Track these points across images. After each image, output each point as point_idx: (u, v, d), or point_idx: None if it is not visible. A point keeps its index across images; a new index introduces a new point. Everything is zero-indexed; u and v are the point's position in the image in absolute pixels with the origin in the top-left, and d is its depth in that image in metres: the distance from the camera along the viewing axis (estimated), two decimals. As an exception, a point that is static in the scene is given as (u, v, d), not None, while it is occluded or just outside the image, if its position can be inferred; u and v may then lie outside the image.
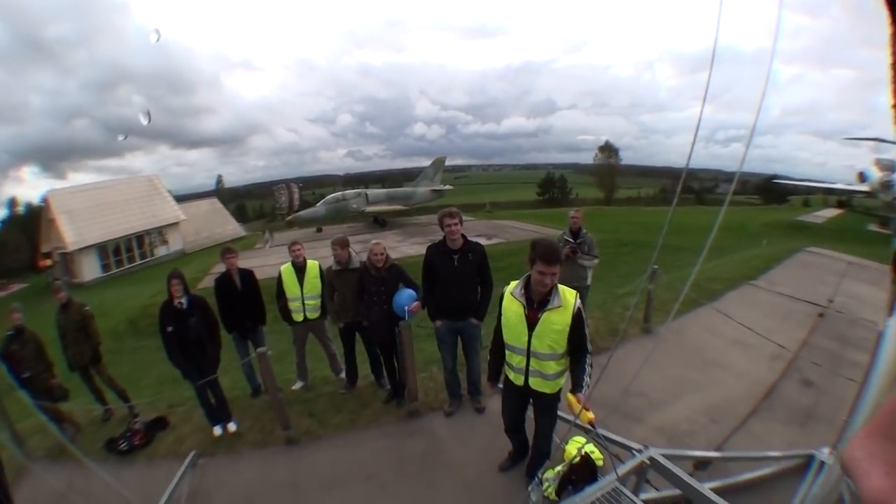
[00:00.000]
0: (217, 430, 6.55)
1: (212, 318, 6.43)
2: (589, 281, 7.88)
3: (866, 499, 0.54)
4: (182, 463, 5.84)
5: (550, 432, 4.33)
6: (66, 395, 7.33)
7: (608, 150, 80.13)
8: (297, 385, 7.40)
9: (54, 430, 7.03)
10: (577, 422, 3.54)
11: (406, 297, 5.82)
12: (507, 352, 4.14)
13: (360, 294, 6.14)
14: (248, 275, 7.07)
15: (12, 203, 71.43)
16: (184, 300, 6.13)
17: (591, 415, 3.51)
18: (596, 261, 8.00)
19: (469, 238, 5.57)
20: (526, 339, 3.87)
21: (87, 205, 37.34)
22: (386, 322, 5.95)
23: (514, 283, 3.99)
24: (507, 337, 4.05)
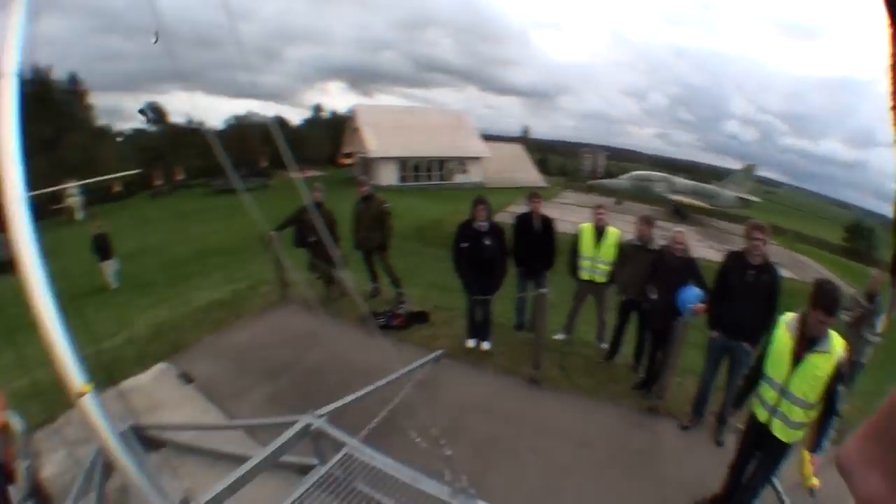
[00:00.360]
0: (470, 343, 7.27)
1: (505, 247, 6.95)
2: (864, 358, 7.02)
3: (862, 502, 0.52)
4: (427, 354, 6.53)
5: (765, 481, 4.17)
6: (344, 265, 8.42)
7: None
8: (560, 336, 7.73)
9: (310, 290, 8.43)
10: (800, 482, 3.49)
11: (693, 295, 5.66)
12: (762, 383, 4.03)
13: (650, 276, 6.15)
14: (548, 220, 7.42)
15: (317, 108, 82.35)
16: (484, 224, 6.68)
17: (816, 482, 3.44)
18: (879, 339, 7.03)
19: (769, 259, 5.25)
20: (785, 374, 3.78)
21: (393, 122, 41.67)
22: (666, 311, 5.86)
23: (791, 315, 3.89)
24: (769, 368, 3.96)
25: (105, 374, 5.35)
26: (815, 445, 3.61)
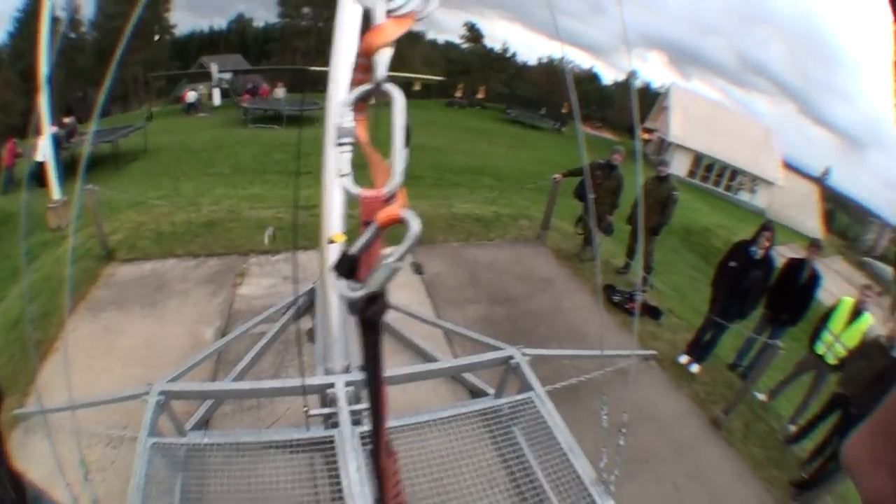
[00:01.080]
0: (682, 359, 7.01)
1: (767, 282, 6.65)
2: None
3: (867, 500, 0.51)
4: (641, 349, 6.49)
5: None
6: (611, 232, 8.29)
7: None
8: (762, 396, 7.17)
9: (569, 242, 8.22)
10: None
11: None
12: None
13: (876, 382, 5.53)
14: (816, 276, 6.96)
15: (632, 74, 79.77)
16: (761, 252, 6.39)
17: None
18: None
19: None
20: None
21: (703, 115, 39.83)
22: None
23: None
24: None
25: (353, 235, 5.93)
26: None
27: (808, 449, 6.36)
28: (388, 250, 0.72)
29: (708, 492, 5.18)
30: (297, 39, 47.48)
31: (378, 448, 1.23)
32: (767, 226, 6.46)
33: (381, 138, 0.79)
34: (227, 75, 38.36)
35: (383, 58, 0.77)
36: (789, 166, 46.15)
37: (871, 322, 6.31)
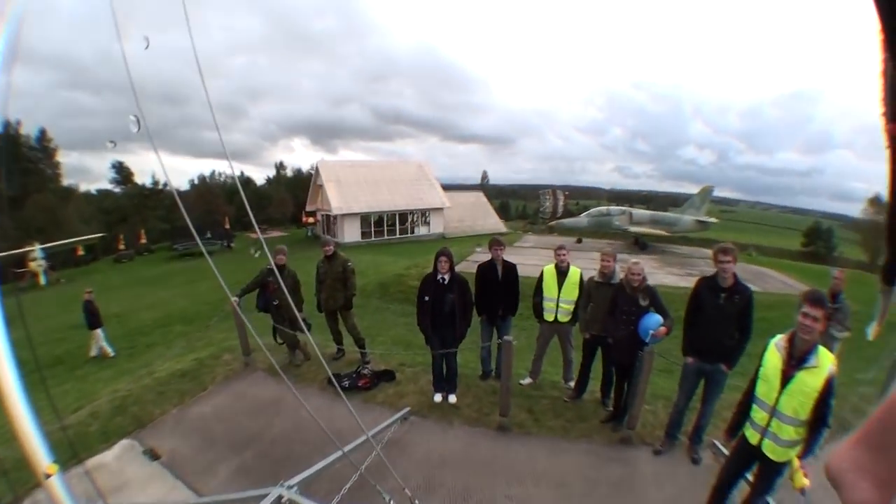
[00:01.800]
0: (437, 398, 7.32)
1: (468, 299, 7.07)
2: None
3: None
4: (395, 413, 6.72)
5: (761, 502, 4.21)
6: (309, 328, 8.51)
7: (877, 204, 58.80)
8: (527, 381, 7.86)
9: (274, 355, 8.44)
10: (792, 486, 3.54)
11: (653, 322, 5.81)
12: (753, 405, 4.10)
13: (611, 310, 6.32)
14: (511, 267, 7.62)
15: (280, 166, 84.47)
16: (447, 276, 6.81)
17: (806, 481, 3.47)
18: (847, 333, 7.50)
19: (739, 280, 5.39)
20: (776, 395, 3.85)
21: (356, 178, 43.14)
22: (629, 343, 6.03)
23: (779, 336, 3.98)
24: (759, 390, 4.03)
25: (70, 451, 5.30)
26: (805, 453, 3.68)
27: (596, 391, 7.14)
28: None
29: (540, 482, 5.44)
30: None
31: None
32: (441, 251, 6.83)
33: None
34: None
35: None
36: (450, 187, 51.51)
37: (580, 272, 7.17)
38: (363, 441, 5.03)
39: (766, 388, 3.91)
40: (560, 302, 7.22)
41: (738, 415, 4.34)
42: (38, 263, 34.21)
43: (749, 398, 4.16)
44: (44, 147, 57.65)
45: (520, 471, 5.68)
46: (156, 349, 13.63)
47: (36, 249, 33.62)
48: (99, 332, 14.10)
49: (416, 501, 3.21)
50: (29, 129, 54.73)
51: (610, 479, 5.51)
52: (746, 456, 4.21)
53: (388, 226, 42.60)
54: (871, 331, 3.64)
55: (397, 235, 42.59)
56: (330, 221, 42.27)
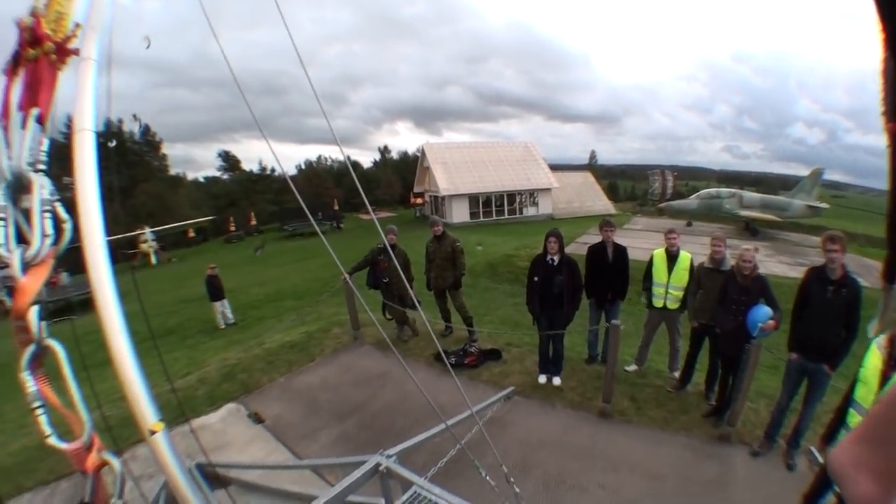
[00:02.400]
0: (542, 379, 7.20)
1: (577, 281, 6.90)
2: None
3: None
4: (499, 392, 6.68)
5: None
6: (418, 305, 8.59)
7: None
8: (632, 367, 7.62)
9: (383, 330, 8.54)
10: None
11: (761, 314, 5.47)
12: (850, 410, 3.69)
13: (720, 299, 6.00)
14: (622, 250, 7.40)
15: (385, 149, 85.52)
16: (556, 257, 6.67)
17: None
18: None
19: (848, 272, 4.99)
20: (872, 399, 3.43)
21: (463, 159, 43.00)
22: (737, 334, 5.71)
23: (882, 335, 3.52)
24: (858, 393, 3.62)
25: (176, 412, 5.53)
26: None
27: (701, 382, 6.79)
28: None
29: (635, 472, 5.30)
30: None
31: None
32: (551, 232, 6.74)
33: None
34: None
35: (34, 316, 0.77)
36: (558, 167, 50.60)
37: (690, 257, 6.87)
38: (466, 416, 4.99)
39: (865, 390, 3.51)
40: (669, 288, 6.96)
41: (836, 420, 3.94)
42: (148, 245, 37.31)
43: (847, 402, 3.75)
44: (148, 141, 61.57)
45: (616, 459, 5.53)
46: (266, 322, 14.17)
47: (146, 232, 36.25)
48: (218, 304, 14.98)
49: (512, 479, 3.05)
50: (132, 126, 58.46)
51: (704, 476, 5.29)
52: None
53: (496, 206, 42.26)
54: (872, 329, 3.22)
55: (506, 216, 42.14)
56: (438, 202, 42.71)
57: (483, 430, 3.41)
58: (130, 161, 54.92)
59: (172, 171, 64.93)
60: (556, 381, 7.12)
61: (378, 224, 3.53)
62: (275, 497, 5.09)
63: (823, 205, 34.15)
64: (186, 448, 4.55)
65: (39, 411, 0.74)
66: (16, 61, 1.41)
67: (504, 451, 5.08)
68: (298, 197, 2.93)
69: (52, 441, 0.74)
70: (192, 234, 49.39)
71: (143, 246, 36.39)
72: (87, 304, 2.50)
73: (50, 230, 0.87)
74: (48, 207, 0.91)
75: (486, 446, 3.29)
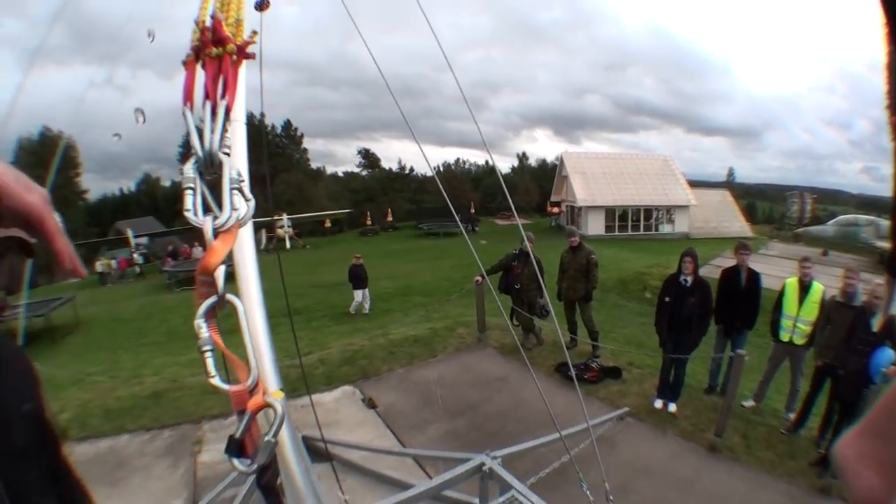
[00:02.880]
0: (657, 403, 7.01)
1: (708, 305, 6.72)
2: None
3: (857, 499, 0.52)
4: (613, 411, 6.65)
5: None
6: (547, 315, 8.47)
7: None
8: (749, 403, 7.26)
9: (509, 336, 8.49)
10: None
11: (885, 358, 5.14)
12: None
13: (847, 336, 5.63)
14: (755, 276, 7.09)
15: (522, 156, 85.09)
16: (690, 278, 6.53)
17: None
18: None
19: None
20: None
21: (601, 170, 42.13)
22: (859, 377, 5.36)
23: None
24: None
25: (293, 386, 5.86)
26: None
27: (815, 427, 6.38)
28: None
29: None
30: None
31: None
32: (687, 252, 6.59)
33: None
34: (144, 240, 39.00)
35: (221, 273, 0.89)
36: (695, 183, 48.43)
37: (822, 290, 6.46)
38: (580, 430, 5.00)
39: None
40: (798, 321, 6.54)
41: None
42: (284, 230, 39.17)
43: None
44: (289, 135, 65.14)
45: (716, 497, 5.34)
46: (393, 315, 14.56)
47: (283, 218, 38.34)
48: (359, 293, 15.43)
49: (611, 498, 2.99)
50: (275, 121, 62.09)
51: None
52: None
53: (632, 221, 41.18)
54: (876, 323, 2.77)
55: (641, 231, 41.05)
56: (574, 213, 42.21)
57: (595, 445, 3.37)
58: (272, 153, 58.61)
59: (313, 165, 68.39)
60: (672, 407, 6.91)
61: (522, 228, 3.58)
62: (373, 479, 5.29)
63: (967, 242, 30.50)
64: (296, 420, 4.81)
65: (208, 354, 0.87)
66: (196, 56, 1.59)
67: (607, 470, 4.97)
68: (445, 195, 3.07)
69: (216, 381, 0.86)
70: (328, 224, 51.58)
71: (280, 231, 38.51)
72: (229, 277, 2.73)
73: (239, 205, 1.04)
74: (237, 186, 1.07)
75: (590, 463, 3.26)
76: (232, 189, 1.08)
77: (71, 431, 6.75)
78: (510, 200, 3.37)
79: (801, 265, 6.65)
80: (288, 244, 39.50)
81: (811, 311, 6.42)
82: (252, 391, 0.98)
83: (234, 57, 1.67)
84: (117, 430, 6.81)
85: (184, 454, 6.28)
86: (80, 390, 8.29)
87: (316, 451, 5.16)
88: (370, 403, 6.80)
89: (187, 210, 1.00)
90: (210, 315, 0.94)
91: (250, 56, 1.85)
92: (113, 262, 34.23)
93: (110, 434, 6.74)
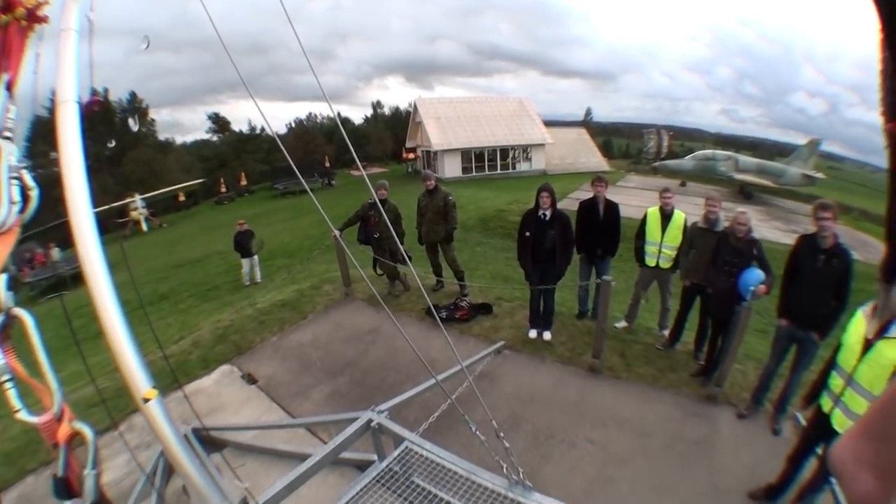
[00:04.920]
0: (532, 333, 7.28)
1: (569, 236, 6.92)
2: None
3: (854, 502, 0.54)
4: (489, 346, 6.78)
5: (824, 477, 4.02)
6: (410, 260, 8.60)
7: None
8: (621, 324, 7.70)
9: (374, 286, 8.71)
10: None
11: (754, 277, 5.48)
12: (832, 372, 3.83)
13: (713, 259, 6.04)
14: (613, 206, 7.42)
15: (377, 105, 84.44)
16: (548, 212, 6.68)
17: None
18: None
19: (840, 241, 5.01)
20: (854, 363, 3.54)
21: (456, 114, 42.76)
22: (729, 296, 5.72)
23: (869, 303, 3.65)
24: (840, 357, 3.75)
25: (170, 378, 5.64)
26: None
27: (690, 341, 6.88)
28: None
29: (622, 428, 5.38)
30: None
31: None
32: (543, 187, 6.71)
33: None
34: None
35: (2, 284, 0.75)
36: (552, 123, 50.12)
37: (683, 216, 6.88)
38: (456, 371, 5.08)
39: (847, 355, 3.62)
40: (663, 247, 6.97)
41: (818, 382, 4.07)
42: (139, 212, 37.13)
43: (830, 366, 3.88)
44: (135, 108, 60.67)
45: (605, 415, 5.63)
46: (259, 282, 14.31)
47: (136, 200, 36.06)
48: (247, 261, 14.62)
49: (501, 434, 3.09)
50: (119, 94, 57.51)
51: (691, 436, 5.37)
52: (819, 426, 3.95)
53: (488, 161, 42.11)
54: (871, 329, 3.29)
55: (498, 171, 42.04)
56: (430, 157, 42.42)
57: (473, 386, 3.45)
58: (118, 130, 54.44)
59: (161, 137, 64.34)
60: (547, 335, 7.20)
61: (368, 180, 3.53)
62: (271, 457, 5.22)
63: (819, 175, 34.19)
64: (182, 414, 4.62)
65: (8, 385, 0.72)
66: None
67: (494, 405, 5.17)
68: (287, 156, 2.94)
69: (22, 416, 0.72)
70: (182, 198, 49.13)
71: (134, 213, 36.25)
72: (78, 278, 2.53)
73: (17, 197, 0.84)
74: (15, 174, 0.87)
75: (477, 401, 3.33)
76: (11, 178, 0.89)
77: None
78: (353, 152, 3.30)
79: (662, 195, 6.99)
80: (145, 226, 37.29)
81: (674, 237, 6.85)
82: (59, 419, 0.87)
83: (24, 22, 1.51)
84: (20, 473, 6.13)
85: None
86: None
87: (210, 441, 4.99)
88: (250, 379, 6.63)
89: None
90: (3, 337, 0.80)
91: (42, 20, 1.67)
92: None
93: (14, 482, 6.08)
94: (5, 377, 0.70)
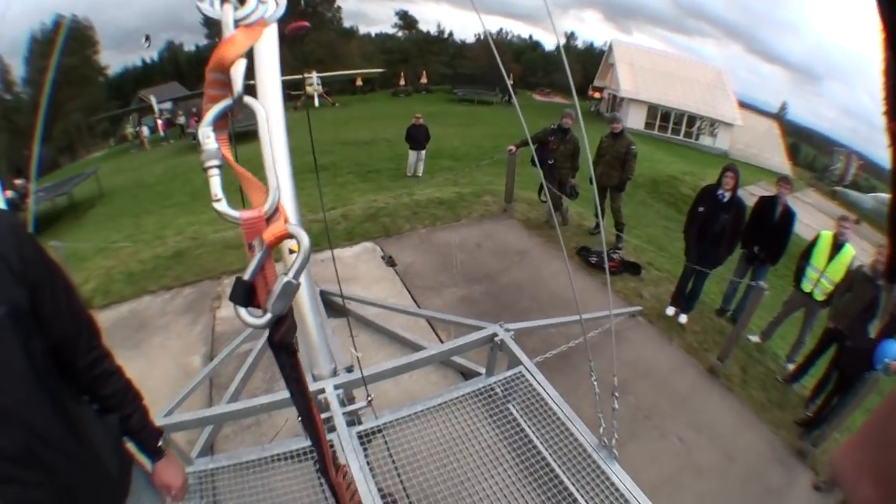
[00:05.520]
0: (669, 311, 7.07)
1: (741, 225, 6.64)
2: None
3: None
4: (627, 307, 6.77)
5: None
6: (576, 195, 8.36)
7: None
8: (754, 338, 7.30)
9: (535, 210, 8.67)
10: None
11: (891, 350, 4.94)
12: None
13: (866, 310, 5.67)
14: (791, 213, 6.96)
15: (570, 36, 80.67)
16: (728, 194, 6.42)
17: None
18: None
19: None
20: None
21: (651, 66, 40.70)
22: (866, 356, 5.16)
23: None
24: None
25: (314, 241, 5.93)
26: None
27: (808, 386, 6.45)
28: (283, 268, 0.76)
29: (713, 441, 5.23)
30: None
31: (324, 465, 1.26)
32: (729, 167, 6.47)
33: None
34: (167, 104, 38.63)
35: (239, 70, 0.72)
36: (745, 105, 46.56)
37: (853, 254, 6.37)
38: (599, 317, 5.17)
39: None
40: (822, 277, 6.49)
41: None
42: (313, 88, 38.76)
43: None
44: None
45: (704, 421, 5.45)
46: (420, 177, 14.61)
47: (313, 76, 37.73)
48: (414, 153, 14.96)
49: (617, 394, 3.04)
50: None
51: (769, 481, 5.12)
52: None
53: (673, 124, 40.05)
54: (874, 329, 2.79)
55: (681, 137, 39.91)
56: (615, 102, 40.83)
57: (613, 335, 3.41)
58: (302, 12, 56.48)
59: (346, 24, 66.11)
60: (683, 318, 6.99)
61: (576, 104, 3.47)
62: (386, 337, 5.47)
63: None
64: (315, 274, 4.90)
65: (213, 171, 0.69)
66: None
67: (611, 365, 5.11)
68: (501, 66, 2.92)
69: (222, 207, 0.67)
70: (360, 82, 50.65)
71: (309, 89, 37.88)
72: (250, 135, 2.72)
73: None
74: None
75: (594, 353, 3.29)
76: None
77: (94, 300, 6.87)
78: (570, 79, 3.22)
79: (840, 222, 6.52)
80: (317, 102, 39.17)
81: (838, 270, 6.36)
82: (270, 218, 0.82)
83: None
84: (139, 292, 6.93)
85: (203, 310, 6.46)
86: (104, 258, 8.44)
87: (331, 306, 5.30)
88: (389, 261, 6.92)
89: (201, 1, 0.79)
90: (221, 124, 0.78)
91: None
92: (145, 130, 34.35)
93: (132, 297, 6.86)
94: (213, 162, 0.67)
